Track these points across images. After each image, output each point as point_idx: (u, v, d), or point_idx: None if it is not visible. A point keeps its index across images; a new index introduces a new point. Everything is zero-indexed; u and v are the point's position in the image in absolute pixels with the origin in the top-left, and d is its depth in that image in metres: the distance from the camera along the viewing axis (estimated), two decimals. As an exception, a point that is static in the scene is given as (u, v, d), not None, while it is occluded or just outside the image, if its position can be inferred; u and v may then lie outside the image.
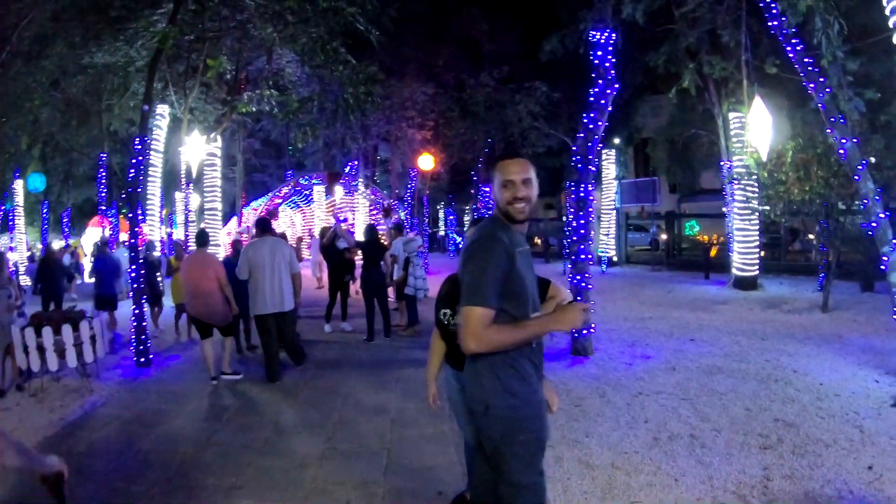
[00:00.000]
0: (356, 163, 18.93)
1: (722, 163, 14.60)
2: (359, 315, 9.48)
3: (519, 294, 2.28)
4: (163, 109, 13.19)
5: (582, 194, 8.37)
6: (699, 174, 23.74)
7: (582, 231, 8.12)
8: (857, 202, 10.11)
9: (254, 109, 11.17)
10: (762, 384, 6.30)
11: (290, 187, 19.48)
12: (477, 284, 2.20)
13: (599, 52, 8.12)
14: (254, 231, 8.21)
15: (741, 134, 12.62)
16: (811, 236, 15.99)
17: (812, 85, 7.13)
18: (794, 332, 8.90)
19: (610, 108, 8.36)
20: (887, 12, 5.33)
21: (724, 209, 14.97)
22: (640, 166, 30.99)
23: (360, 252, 9.43)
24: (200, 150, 12.65)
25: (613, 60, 8.16)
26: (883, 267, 6.45)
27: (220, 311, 6.95)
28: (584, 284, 7.85)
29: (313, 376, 7.18)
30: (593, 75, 8.21)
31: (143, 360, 7.79)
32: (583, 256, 8.01)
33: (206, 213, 14.91)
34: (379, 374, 7.09)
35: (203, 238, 7.46)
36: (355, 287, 9.62)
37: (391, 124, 17.43)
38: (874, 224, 6.58)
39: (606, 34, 8.06)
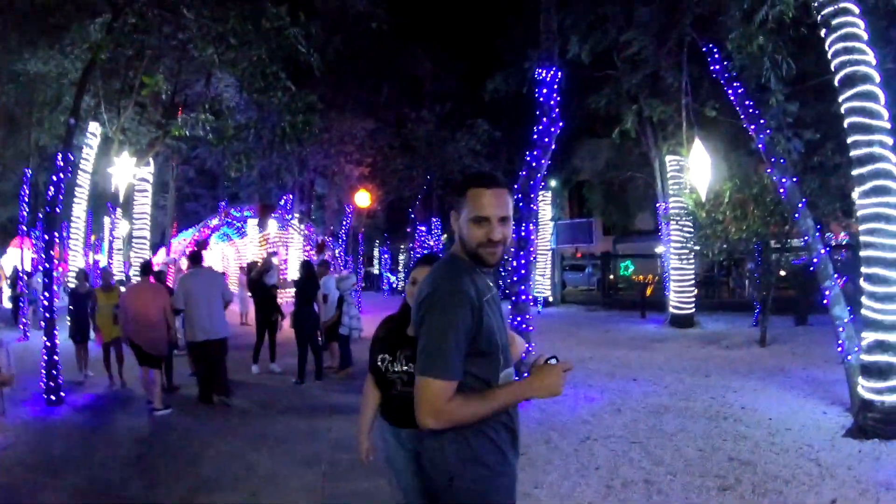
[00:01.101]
0: (291, 196, 18.38)
1: (658, 204, 14.94)
2: (289, 355, 8.82)
3: (487, 352, 1.90)
4: (94, 128, 12.33)
5: (523, 234, 8.23)
6: (634, 215, 24.43)
7: (523, 271, 7.93)
8: (790, 240, 10.45)
9: (187, 134, 10.55)
10: (712, 422, 6.13)
11: (219, 218, 18.62)
12: (437, 351, 1.78)
13: (545, 90, 8.10)
14: (185, 263, 8.64)
15: (678, 176, 12.95)
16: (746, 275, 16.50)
17: (753, 126, 7.28)
18: (736, 367, 8.91)
19: (553, 147, 8.32)
20: (829, 55, 5.47)
21: (656, 249, 15.28)
22: (575, 208, 31.78)
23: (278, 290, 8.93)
24: (129, 172, 11.86)
25: (558, 98, 8.17)
26: (825, 301, 6.50)
27: (163, 339, 7.09)
28: (524, 326, 7.60)
29: (239, 423, 6.52)
30: (538, 113, 8.18)
31: (53, 397, 7.16)
32: (524, 297, 7.80)
33: (133, 241, 14.08)
34: (310, 421, 6.48)
35: (147, 268, 7.76)
36: (286, 324, 8.97)
37: (329, 159, 17.06)
38: (815, 260, 6.66)
39: (552, 72, 8.07)
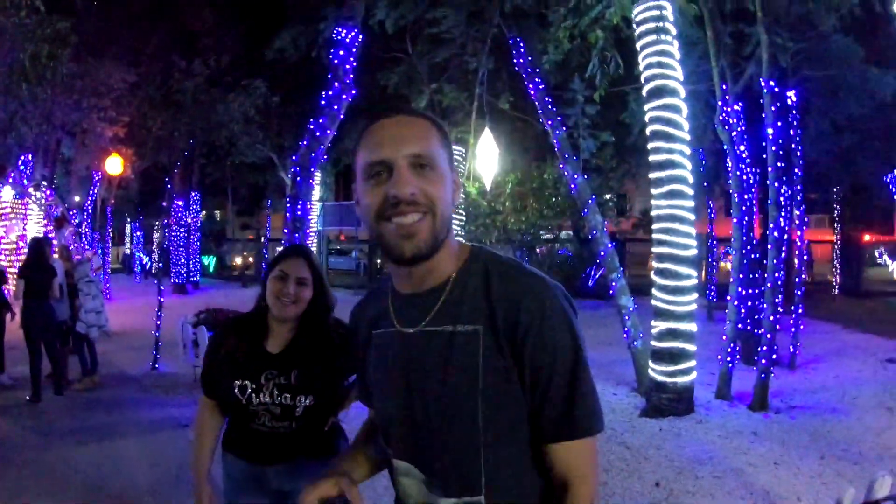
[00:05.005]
0: (31, 157, 14.57)
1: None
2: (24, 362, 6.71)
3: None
4: None
5: (299, 212, 7.56)
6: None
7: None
8: (560, 233, 11.42)
9: None
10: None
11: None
12: None
13: (341, 52, 7.46)
14: None
15: (455, 164, 13.28)
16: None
17: (550, 122, 7.59)
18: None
19: (342, 117, 7.74)
20: (642, 66, 5.87)
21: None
22: (342, 190, 31.38)
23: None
24: None
25: (354, 64, 7.58)
26: (611, 292, 7.07)
27: None
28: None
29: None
30: (329, 76, 7.51)
31: None
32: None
33: None
34: (51, 458, 4.85)
35: None
36: (14, 323, 6.82)
37: (80, 113, 13.90)
38: (602, 253, 7.20)
39: (353, 33, 7.45)
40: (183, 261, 19.43)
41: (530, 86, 7.90)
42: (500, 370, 1.05)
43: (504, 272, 1.10)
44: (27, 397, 6.35)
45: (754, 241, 7.93)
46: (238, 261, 27.84)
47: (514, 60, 8.06)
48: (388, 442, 1.19)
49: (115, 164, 13.72)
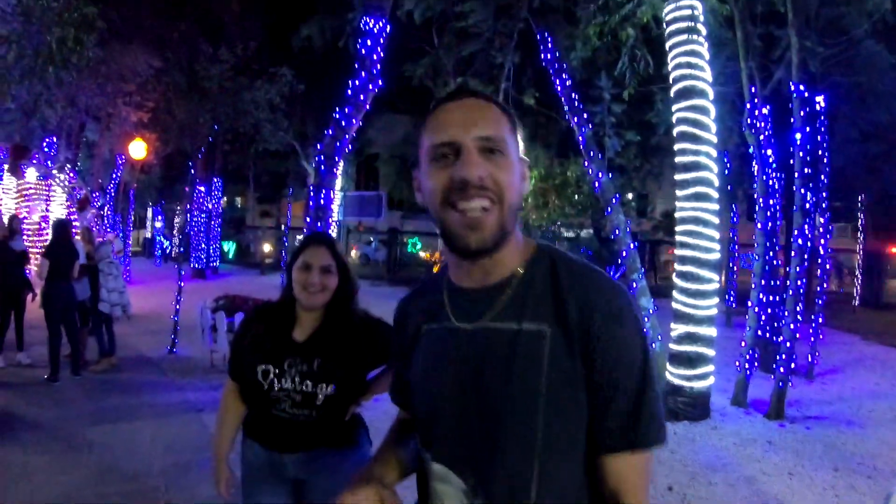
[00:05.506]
0: (55, 140, 14.87)
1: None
2: (41, 342, 6.84)
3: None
4: None
5: (322, 201, 7.61)
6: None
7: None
8: (581, 231, 11.37)
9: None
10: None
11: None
12: None
13: (369, 42, 7.48)
14: None
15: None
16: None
17: (576, 119, 7.54)
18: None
19: (368, 107, 7.78)
20: (671, 66, 5.80)
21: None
22: (362, 180, 31.54)
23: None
24: None
25: (382, 55, 7.62)
26: (632, 292, 7.03)
27: None
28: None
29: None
30: (356, 66, 7.54)
31: None
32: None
33: None
34: (66, 438, 4.89)
35: None
36: (35, 303, 6.95)
37: (104, 97, 14.10)
38: (624, 253, 7.16)
39: (381, 23, 7.48)
40: (203, 246, 19.69)
41: (557, 82, 7.85)
42: (567, 372, 0.99)
43: (573, 270, 1.05)
44: (45, 377, 6.43)
45: (778, 248, 7.82)
46: (260, 249, 28.29)
47: (542, 56, 8.01)
48: (429, 444, 1.10)
49: (138, 149, 13.89)
